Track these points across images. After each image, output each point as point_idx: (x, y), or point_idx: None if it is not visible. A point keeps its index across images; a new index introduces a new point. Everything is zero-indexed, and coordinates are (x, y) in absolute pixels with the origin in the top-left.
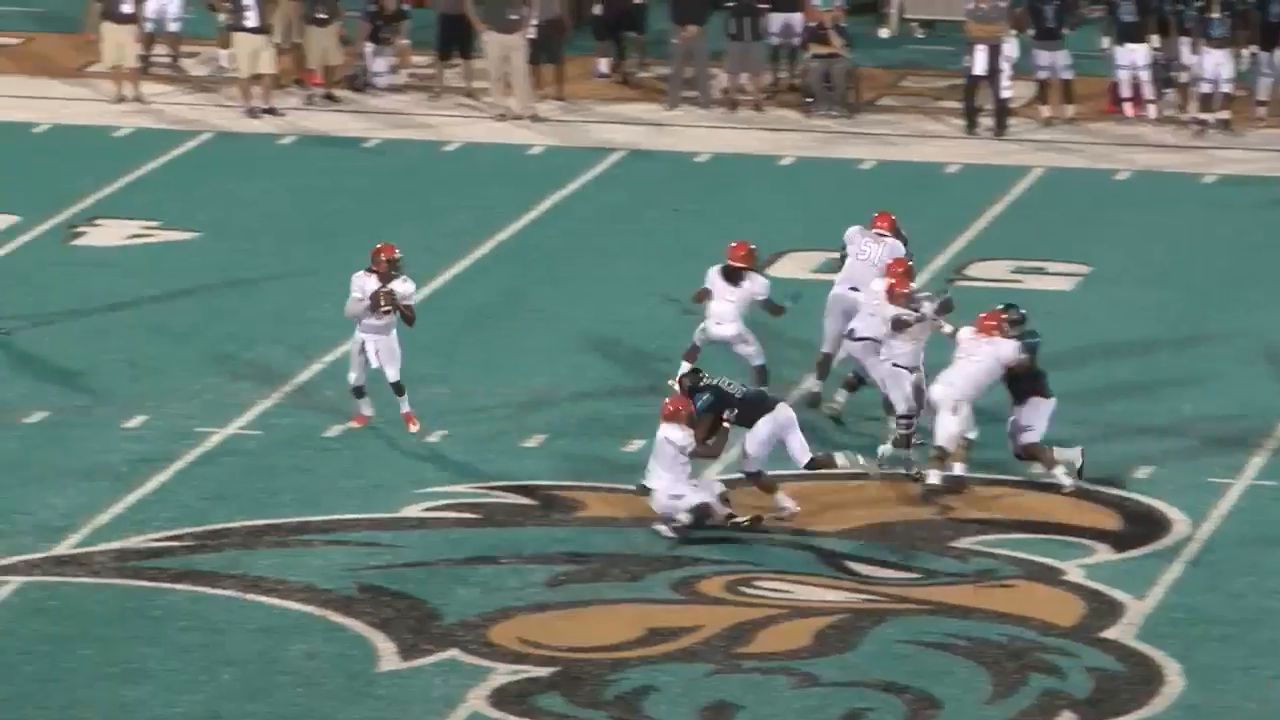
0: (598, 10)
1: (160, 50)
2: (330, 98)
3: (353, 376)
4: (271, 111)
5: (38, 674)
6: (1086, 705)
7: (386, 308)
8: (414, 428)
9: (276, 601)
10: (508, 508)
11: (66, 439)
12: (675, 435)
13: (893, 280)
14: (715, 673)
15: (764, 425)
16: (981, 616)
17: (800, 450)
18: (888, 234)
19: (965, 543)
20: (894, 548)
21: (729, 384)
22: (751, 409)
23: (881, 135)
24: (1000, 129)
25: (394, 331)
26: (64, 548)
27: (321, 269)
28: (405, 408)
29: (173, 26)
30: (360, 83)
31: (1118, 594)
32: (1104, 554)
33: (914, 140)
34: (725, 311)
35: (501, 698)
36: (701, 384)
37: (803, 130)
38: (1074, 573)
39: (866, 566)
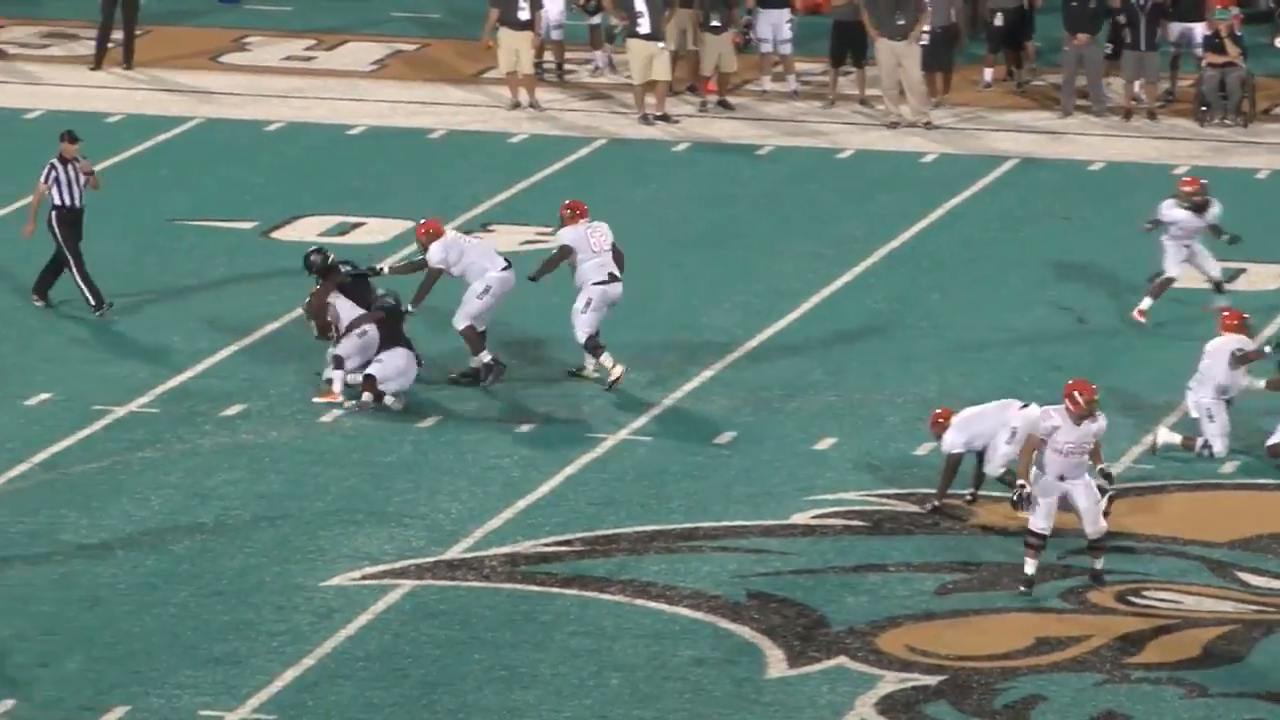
0: (998, 21)
1: (547, 57)
2: (724, 104)
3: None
4: (665, 118)
5: (427, 678)
6: None
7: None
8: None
9: (665, 607)
10: (897, 515)
11: (460, 443)
12: None
13: None
14: (1104, 683)
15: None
16: None
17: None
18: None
19: None
20: None
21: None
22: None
23: (1276, 144)
24: None
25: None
26: (456, 552)
27: (713, 276)
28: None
29: (556, 34)
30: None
31: None
32: None
33: None
34: None
35: (889, 705)
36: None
37: (1197, 139)
38: None
39: (1256, 577)
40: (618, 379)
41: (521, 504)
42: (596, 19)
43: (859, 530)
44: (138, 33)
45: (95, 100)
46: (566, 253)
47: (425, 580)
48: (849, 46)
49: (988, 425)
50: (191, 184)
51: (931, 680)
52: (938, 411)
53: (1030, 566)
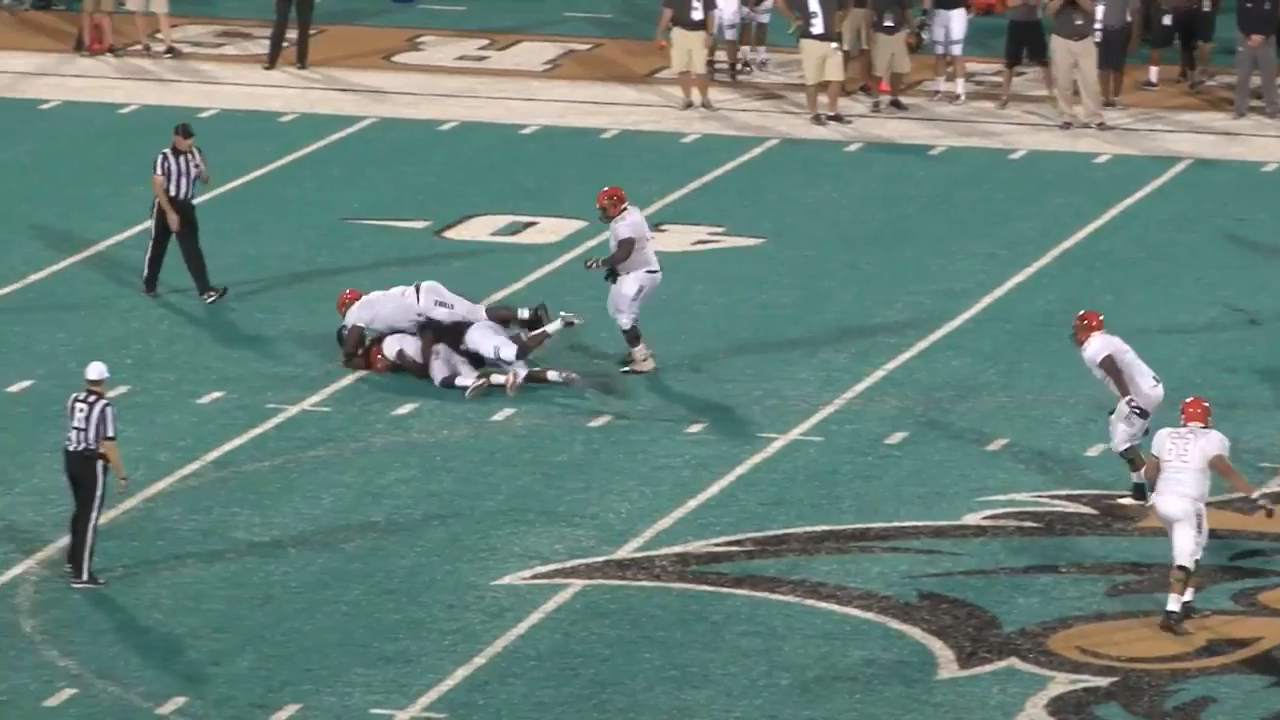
0: (1167, 20)
1: (720, 57)
2: (897, 104)
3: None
4: (838, 118)
5: (598, 677)
6: None
7: None
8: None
9: (835, 607)
10: (1068, 516)
11: (630, 442)
12: None
13: None
14: (1275, 685)
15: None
16: None
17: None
18: None
19: None
20: None
21: None
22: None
23: None
24: None
25: None
26: (626, 551)
27: (885, 276)
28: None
29: (729, 34)
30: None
31: None
32: None
33: None
34: None
35: (1060, 707)
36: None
37: None
38: None
39: None
40: (646, 371)
41: (692, 504)
42: (764, 16)
43: (1030, 531)
44: (312, 32)
45: (269, 99)
46: (631, 245)
47: (596, 580)
48: (1024, 46)
49: (1127, 361)
50: (364, 183)
51: (1102, 682)
52: (1084, 314)
53: (1174, 602)
